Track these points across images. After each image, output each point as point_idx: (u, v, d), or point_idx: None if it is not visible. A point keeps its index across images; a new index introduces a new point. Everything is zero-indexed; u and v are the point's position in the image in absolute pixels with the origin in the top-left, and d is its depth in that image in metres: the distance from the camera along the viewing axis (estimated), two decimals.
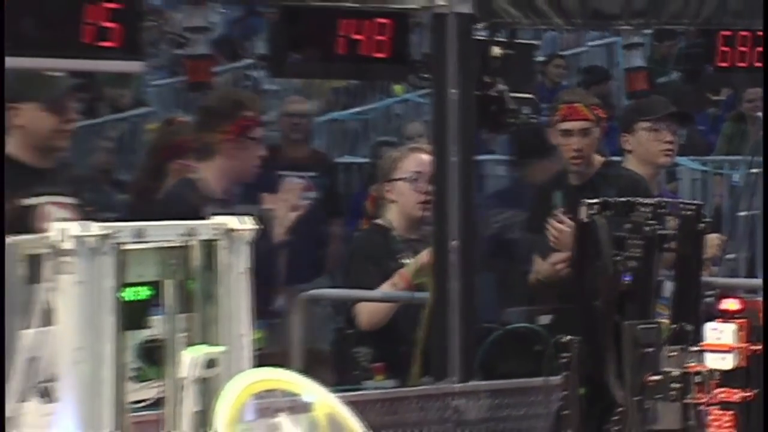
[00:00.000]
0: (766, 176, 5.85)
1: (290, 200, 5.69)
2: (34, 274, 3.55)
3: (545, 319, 5.78)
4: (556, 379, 4.52)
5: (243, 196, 5.94)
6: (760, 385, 4.20)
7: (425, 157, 5.78)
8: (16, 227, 4.53)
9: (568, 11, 5.70)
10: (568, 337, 4.43)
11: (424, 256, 5.62)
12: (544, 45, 11.74)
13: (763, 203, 5.41)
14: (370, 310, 5.73)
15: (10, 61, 4.84)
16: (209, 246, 3.65)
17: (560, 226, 5.86)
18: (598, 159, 6.18)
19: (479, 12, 5.51)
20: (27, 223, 4.97)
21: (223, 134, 5.63)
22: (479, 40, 5.57)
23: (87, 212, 5.13)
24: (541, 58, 10.88)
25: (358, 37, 5.41)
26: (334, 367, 5.88)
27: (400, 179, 5.86)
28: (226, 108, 5.71)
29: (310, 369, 5.67)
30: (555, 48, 12.87)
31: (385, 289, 5.71)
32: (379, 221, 5.94)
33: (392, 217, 5.88)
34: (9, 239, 3.63)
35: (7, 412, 3.51)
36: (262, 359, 3.74)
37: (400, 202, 5.85)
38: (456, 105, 5.45)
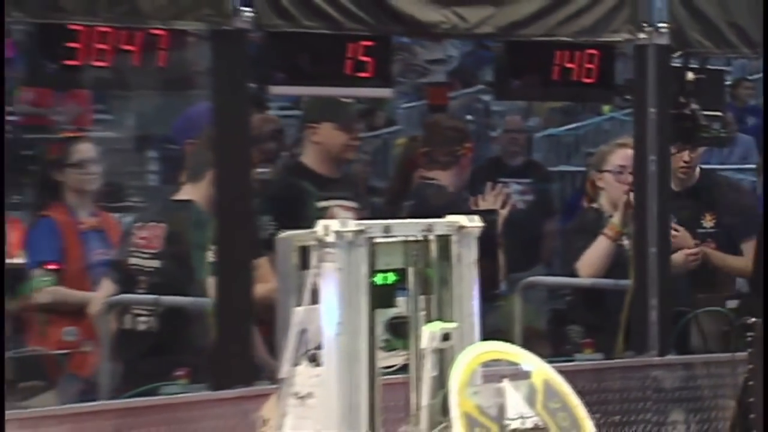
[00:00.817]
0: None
1: (499, 200, 5.72)
2: (304, 262, 3.64)
3: (732, 303, 5.62)
4: (742, 355, 4.40)
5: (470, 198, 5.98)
6: None
7: (630, 152, 5.70)
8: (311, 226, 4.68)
9: (754, 42, 5.55)
10: (753, 319, 4.31)
11: (624, 209, 5.57)
12: (733, 70, 11.40)
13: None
14: (589, 263, 5.69)
15: (289, 90, 4.98)
16: (444, 240, 3.68)
17: (674, 232, 5.74)
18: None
19: (675, 43, 5.41)
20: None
21: (463, 151, 5.74)
22: (675, 67, 5.46)
23: (363, 214, 5.24)
24: (730, 82, 10.56)
25: (570, 65, 5.37)
26: (549, 342, 5.84)
27: (607, 171, 5.83)
28: (457, 132, 5.83)
29: (529, 343, 5.66)
30: (744, 72, 12.48)
31: (600, 240, 5.65)
32: (594, 205, 5.92)
33: (603, 201, 5.86)
34: (283, 234, 3.73)
35: (282, 374, 3.60)
36: (489, 335, 3.74)
37: (607, 190, 5.83)
38: (655, 122, 5.37)
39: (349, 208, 5.28)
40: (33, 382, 4.27)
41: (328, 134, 5.37)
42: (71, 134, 6.33)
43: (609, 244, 5.65)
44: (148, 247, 5.06)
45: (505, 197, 5.78)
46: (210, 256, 4.77)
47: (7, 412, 3.94)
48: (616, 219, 5.67)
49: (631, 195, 5.51)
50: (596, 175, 5.91)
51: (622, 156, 5.80)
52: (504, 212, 5.71)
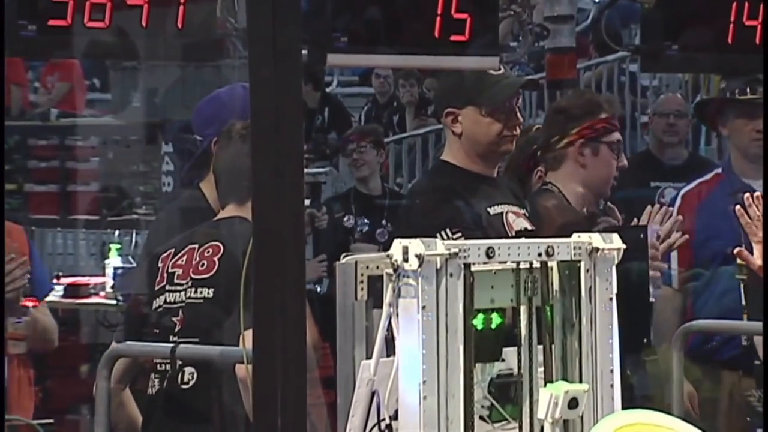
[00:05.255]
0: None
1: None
2: (374, 298, 3.67)
3: None
4: None
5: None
6: None
7: None
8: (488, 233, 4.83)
9: None
10: None
11: None
12: None
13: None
14: None
15: (354, 59, 5.01)
16: (570, 267, 3.70)
17: None
18: None
19: None
20: (493, 229, 5.16)
21: (571, 138, 5.68)
22: None
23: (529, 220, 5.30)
24: None
25: (752, 23, 5.34)
26: (723, 411, 5.82)
27: None
28: (578, 110, 5.74)
29: (692, 412, 5.64)
30: None
31: None
32: None
33: None
34: (345, 259, 3.76)
35: None
36: (634, 400, 3.75)
37: None
38: None
39: (520, 214, 5.32)
40: None
41: (473, 121, 5.39)
42: None
43: None
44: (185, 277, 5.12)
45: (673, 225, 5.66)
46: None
47: None
48: None
49: None
50: None
51: None
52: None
